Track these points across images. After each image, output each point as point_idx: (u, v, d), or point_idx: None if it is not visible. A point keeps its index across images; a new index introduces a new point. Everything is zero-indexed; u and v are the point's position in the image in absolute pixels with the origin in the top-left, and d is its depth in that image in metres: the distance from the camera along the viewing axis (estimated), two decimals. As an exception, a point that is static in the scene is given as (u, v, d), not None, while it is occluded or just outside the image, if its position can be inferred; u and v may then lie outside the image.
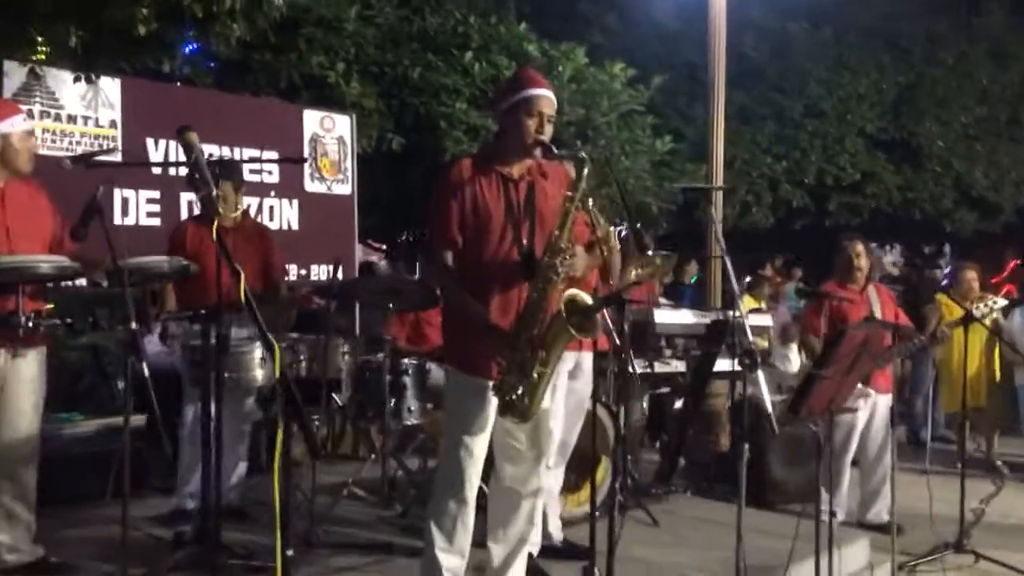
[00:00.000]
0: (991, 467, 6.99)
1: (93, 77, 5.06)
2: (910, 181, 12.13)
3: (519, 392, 2.81)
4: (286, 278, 5.23)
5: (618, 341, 3.53)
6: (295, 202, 7.01)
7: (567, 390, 3.82)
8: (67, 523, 4.24)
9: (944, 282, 8.66)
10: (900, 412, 8.24)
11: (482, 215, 2.96)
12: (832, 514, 5.19)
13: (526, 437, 3.05)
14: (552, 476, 3.92)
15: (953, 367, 6.96)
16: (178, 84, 7.12)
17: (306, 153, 7.10)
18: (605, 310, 3.14)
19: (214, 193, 2.44)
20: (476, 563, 3.25)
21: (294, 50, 7.87)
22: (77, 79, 5.12)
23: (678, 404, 6.12)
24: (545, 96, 3.00)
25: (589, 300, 2.84)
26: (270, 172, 6.88)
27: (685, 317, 5.47)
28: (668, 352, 5.72)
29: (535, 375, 2.81)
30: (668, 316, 5.40)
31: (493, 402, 2.92)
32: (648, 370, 5.42)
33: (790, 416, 3.22)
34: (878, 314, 5.25)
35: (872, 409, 5.32)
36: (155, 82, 6.43)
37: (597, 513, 4.54)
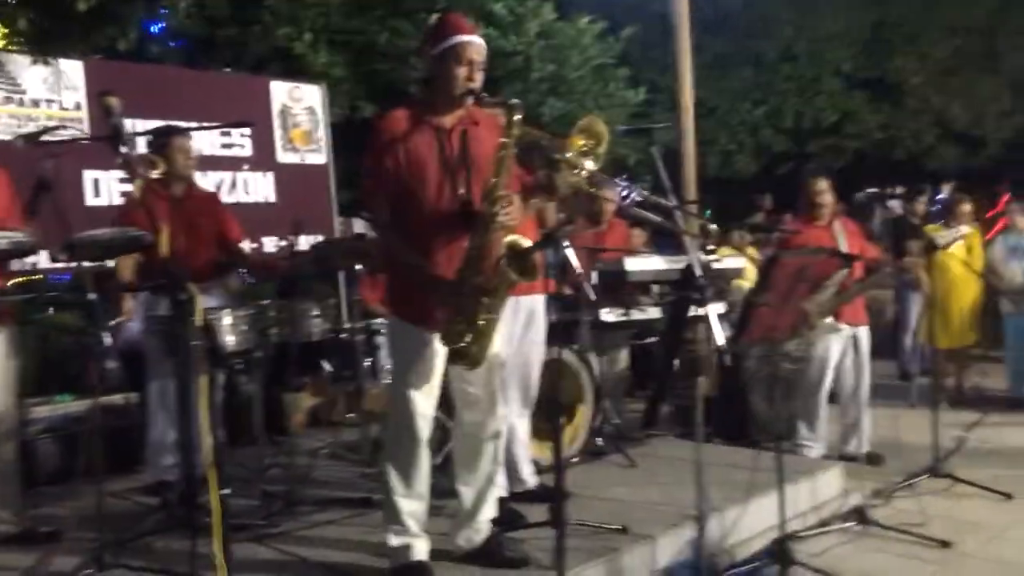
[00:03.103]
0: (963, 397, 7.09)
1: (51, 60, 5.06)
2: (889, 118, 12.08)
3: (467, 339, 2.85)
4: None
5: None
6: (269, 174, 7.03)
7: (524, 337, 3.87)
8: (58, 498, 4.32)
9: (935, 210, 8.70)
10: (889, 348, 8.38)
11: (417, 166, 2.97)
12: (800, 446, 5.35)
13: (480, 383, 3.09)
14: (520, 423, 3.98)
15: (945, 302, 7.01)
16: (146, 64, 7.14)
17: (275, 124, 7.12)
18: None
19: (134, 155, 2.43)
20: (451, 511, 3.33)
21: (259, 23, 7.86)
22: (35, 62, 5.13)
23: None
24: (474, 43, 2.99)
25: (528, 244, 2.87)
26: (242, 146, 6.90)
27: (657, 263, 5.50)
28: (646, 300, 5.76)
29: (482, 322, 2.85)
30: (640, 263, 5.43)
31: (440, 351, 2.96)
32: (624, 318, 5.46)
33: (734, 344, 3.27)
34: (843, 248, 5.28)
35: (845, 343, 5.39)
36: (118, 62, 6.42)
37: (576, 458, 4.72)
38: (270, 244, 6.83)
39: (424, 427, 3.01)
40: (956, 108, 12.23)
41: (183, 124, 5.94)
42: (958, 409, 6.80)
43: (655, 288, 5.75)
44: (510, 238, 2.85)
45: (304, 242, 5.67)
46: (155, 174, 3.57)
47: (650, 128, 5.73)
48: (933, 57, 12.08)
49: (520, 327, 3.90)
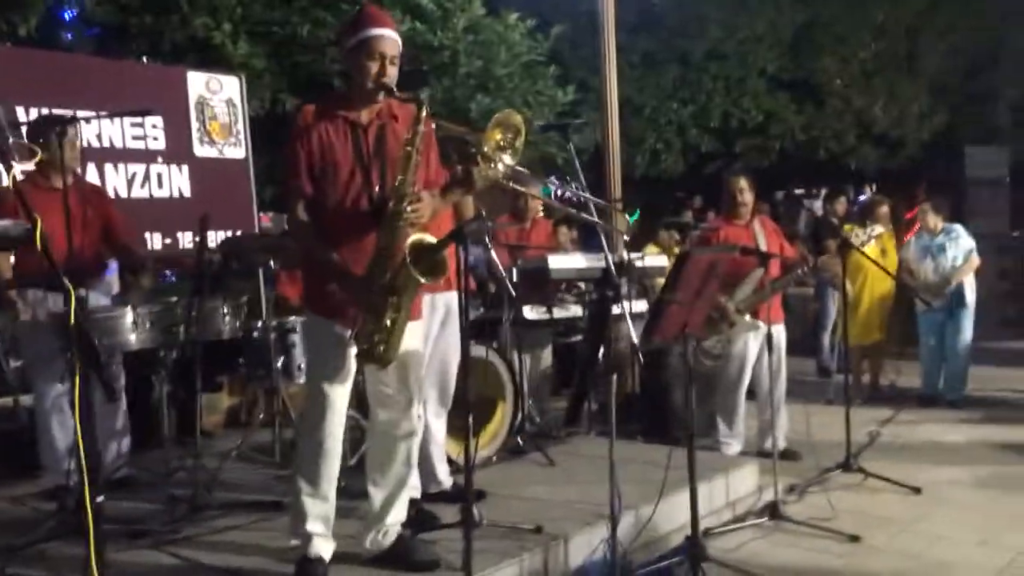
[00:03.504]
0: (878, 394, 7.26)
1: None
2: (812, 119, 12.31)
3: (375, 339, 2.79)
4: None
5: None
6: (184, 168, 6.80)
7: (441, 335, 3.81)
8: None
9: (856, 210, 8.88)
10: (809, 346, 8.54)
11: (330, 162, 2.91)
12: (719, 443, 5.41)
13: (395, 382, 3.03)
14: (437, 422, 3.92)
15: (858, 300, 7.16)
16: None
17: (192, 116, 6.90)
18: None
19: (9, 144, 2.29)
20: (363, 512, 3.25)
21: (176, 12, 7.61)
22: (-74, 46, 4.88)
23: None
24: (386, 36, 2.93)
25: (434, 242, 2.81)
26: (155, 138, 6.67)
27: (579, 262, 5.49)
28: (569, 298, 5.74)
29: (389, 321, 2.80)
30: (561, 261, 5.41)
31: (354, 349, 2.90)
32: (547, 316, 5.43)
33: (646, 342, 3.25)
34: (762, 246, 5.35)
35: (763, 340, 5.43)
36: (22, 48, 6.15)
37: (494, 458, 4.68)
38: (185, 240, 6.63)
39: (336, 425, 2.95)
40: (877, 110, 12.52)
41: (83, 113, 5.74)
42: (873, 405, 6.98)
43: (582, 286, 5.76)
44: (414, 237, 2.79)
45: (214, 238, 5.51)
46: (31, 165, 3.37)
47: (568, 125, 5.69)
48: (857, 58, 12.34)
49: (437, 325, 3.85)
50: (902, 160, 13.81)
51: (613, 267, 3.78)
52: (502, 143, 3.49)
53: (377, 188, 2.93)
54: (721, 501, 4.33)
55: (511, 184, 3.96)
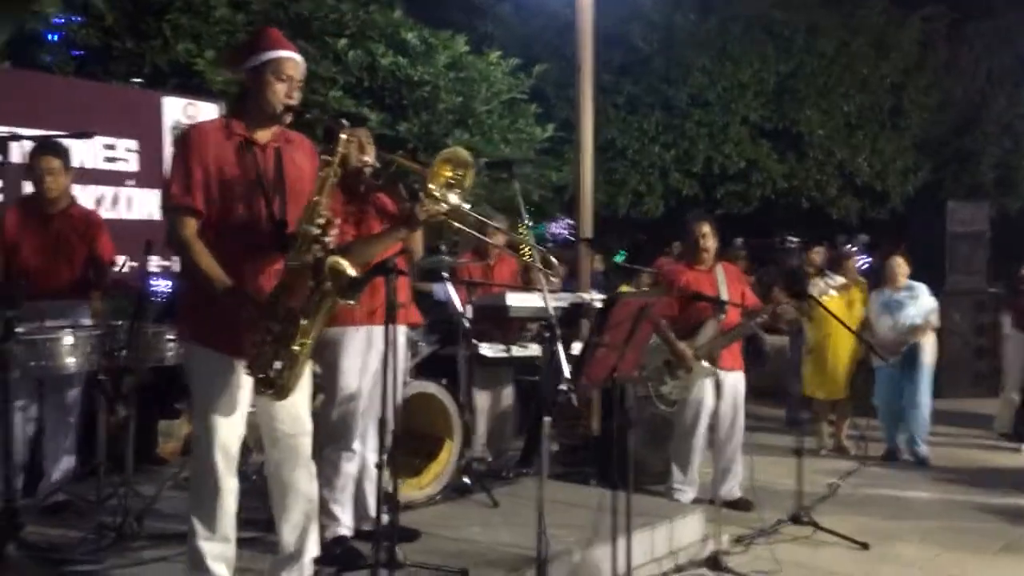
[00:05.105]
0: (841, 448, 7.20)
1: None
2: (793, 169, 12.41)
3: (277, 367, 2.72)
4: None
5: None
6: (156, 191, 6.78)
7: (381, 369, 3.77)
8: None
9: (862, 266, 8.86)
10: (778, 395, 8.51)
11: (227, 181, 2.84)
12: (673, 489, 5.35)
13: (288, 418, 2.94)
14: (373, 458, 3.86)
15: (822, 353, 7.11)
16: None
17: (167, 141, 6.91)
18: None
19: None
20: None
21: (158, 37, 7.67)
22: None
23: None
24: (293, 59, 2.91)
25: (350, 268, 2.77)
26: (126, 160, 6.68)
27: (537, 301, 5.47)
28: (526, 336, 5.71)
29: (296, 347, 2.72)
30: (520, 299, 5.38)
31: (245, 382, 2.82)
32: (504, 354, 5.39)
33: (575, 385, 3.23)
34: (724, 292, 5.35)
35: (721, 388, 5.40)
36: (-4, 67, 6.19)
37: (438, 496, 4.61)
38: (152, 264, 6.60)
39: (224, 463, 2.84)
40: (860, 161, 12.62)
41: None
42: (838, 458, 6.93)
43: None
44: (332, 259, 2.75)
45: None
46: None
47: (512, 163, 5.71)
48: (840, 111, 12.47)
49: (376, 359, 3.80)
50: (885, 213, 13.91)
51: (550, 307, 3.76)
52: (451, 180, 3.50)
53: (277, 210, 2.87)
54: (664, 549, 4.27)
55: (455, 224, 3.95)
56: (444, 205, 3.56)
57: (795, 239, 8.43)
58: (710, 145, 11.81)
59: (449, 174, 3.49)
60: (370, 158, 3.72)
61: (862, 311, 7.20)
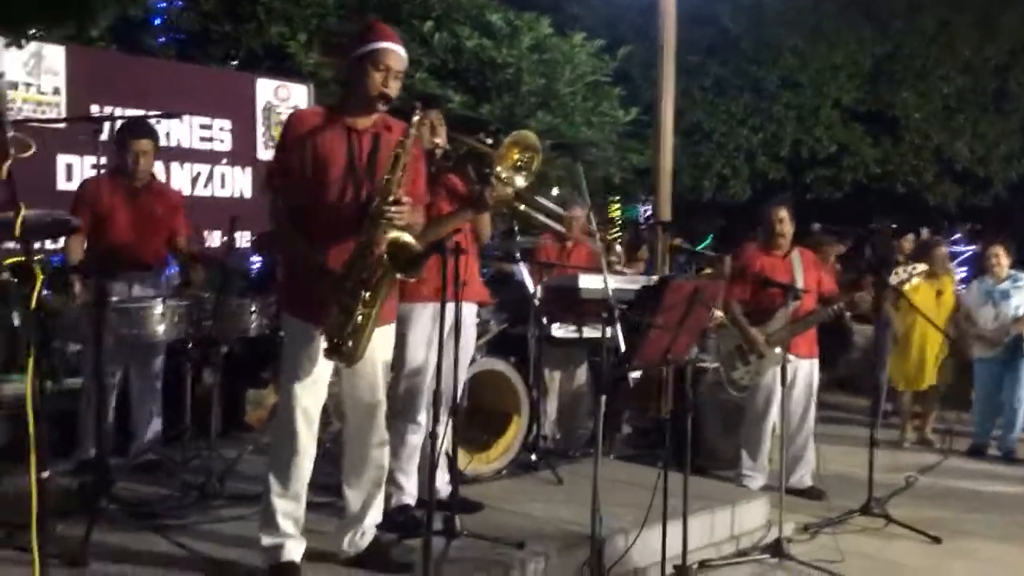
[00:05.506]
0: (926, 441, 7.01)
1: (23, 43, 5.16)
2: (888, 153, 12.01)
3: (344, 334, 2.86)
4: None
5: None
6: (248, 170, 7.09)
7: (448, 344, 3.87)
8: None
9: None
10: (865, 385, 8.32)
11: (323, 164, 3.00)
12: (742, 475, 5.33)
13: (367, 387, 3.11)
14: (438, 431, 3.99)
15: (907, 342, 6.95)
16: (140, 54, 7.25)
17: (259, 121, 7.20)
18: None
19: (8, 136, 2.46)
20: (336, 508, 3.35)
21: (253, 20, 7.95)
22: (8, 45, 5.23)
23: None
24: (393, 50, 3.04)
25: (413, 242, 2.89)
26: (221, 140, 6.99)
27: (610, 283, 5.49)
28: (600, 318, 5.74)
29: (359, 317, 2.87)
30: (593, 281, 5.42)
31: (324, 345, 2.96)
32: (576, 335, 5.45)
33: (626, 364, 3.27)
34: (799, 279, 5.28)
35: (793, 374, 5.34)
36: (101, 50, 6.53)
37: (504, 472, 4.72)
38: (243, 239, 6.91)
39: (305, 426, 3.01)
40: (959, 145, 12.12)
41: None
42: (921, 451, 6.77)
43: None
44: (393, 235, 2.87)
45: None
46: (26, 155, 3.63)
47: (577, 147, 5.73)
48: (939, 94, 11.99)
49: (445, 334, 3.91)
50: (986, 199, 13.35)
51: (609, 289, 3.81)
52: (518, 163, 3.58)
53: (365, 193, 3.01)
54: (724, 533, 4.28)
55: (522, 206, 4.02)
56: (511, 189, 3.65)
57: (879, 225, 8.14)
58: (799, 128, 11.53)
59: (517, 157, 3.57)
60: (441, 140, 3.81)
61: (952, 302, 7.00)
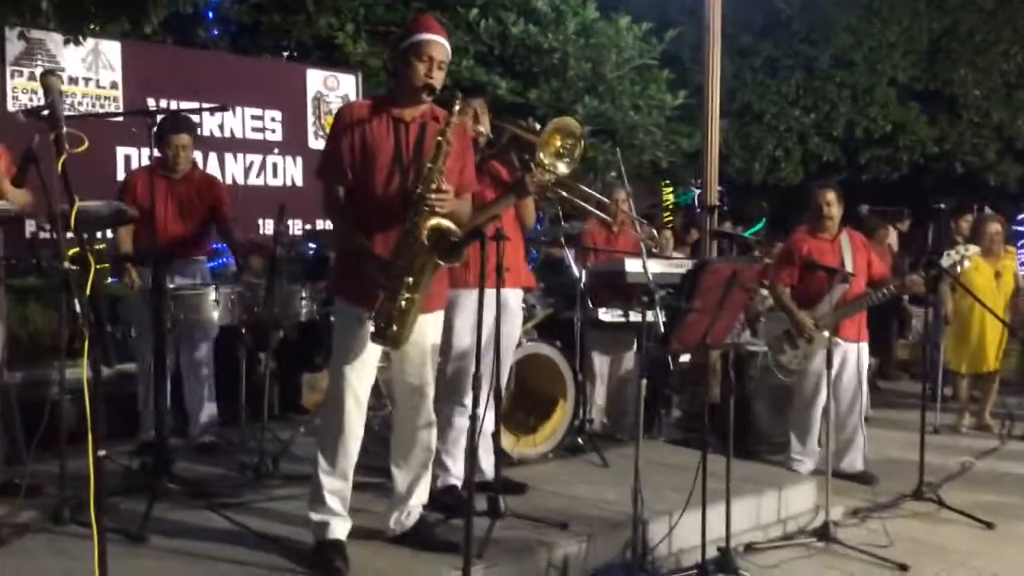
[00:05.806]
0: (984, 427, 6.87)
1: (81, 39, 5.34)
2: (945, 132, 11.70)
3: (389, 318, 2.93)
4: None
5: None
6: (299, 159, 7.24)
7: (494, 329, 3.93)
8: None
9: None
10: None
11: (370, 153, 3.08)
12: (791, 459, 5.30)
13: (415, 371, 3.19)
14: (486, 416, 4.05)
15: (966, 325, 6.80)
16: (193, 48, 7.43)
17: (309, 111, 7.33)
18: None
19: (64, 132, 2.57)
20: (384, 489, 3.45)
21: (302, 12, 8.08)
22: (67, 42, 5.40)
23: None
24: (436, 41, 3.08)
25: (454, 228, 2.94)
26: (273, 130, 7.14)
27: (655, 267, 5.50)
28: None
29: (403, 302, 2.93)
30: (638, 265, 5.43)
31: (371, 328, 3.03)
32: (622, 319, 5.46)
33: (663, 348, 3.28)
34: (848, 261, 5.22)
35: (843, 358, 5.29)
36: (155, 44, 6.71)
37: (551, 455, 4.77)
38: (295, 227, 7.06)
39: (354, 407, 3.09)
40: (1020, 124, 11.76)
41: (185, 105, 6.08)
42: (979, 436, 6.64)
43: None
44: (434, 221, 2.93)
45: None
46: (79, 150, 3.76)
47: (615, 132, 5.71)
48: (999, 70, 11.64)
49: (490, 319, 3.96)
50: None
51: (648, 273, 3.81)
52: (560, 150, 3.61)
53: (411, 181, 3.07)
54: (771, 517, 4.27)
55: (561, 192, 4.04)
56: (551, 175, 3.69)
57: (938, 206, 7.95)
58: (853, 108, 11.30)
59: (559, 144, 3.60)
60: (484, 128, 3.85)
61: (1011, 282, 6.82)
